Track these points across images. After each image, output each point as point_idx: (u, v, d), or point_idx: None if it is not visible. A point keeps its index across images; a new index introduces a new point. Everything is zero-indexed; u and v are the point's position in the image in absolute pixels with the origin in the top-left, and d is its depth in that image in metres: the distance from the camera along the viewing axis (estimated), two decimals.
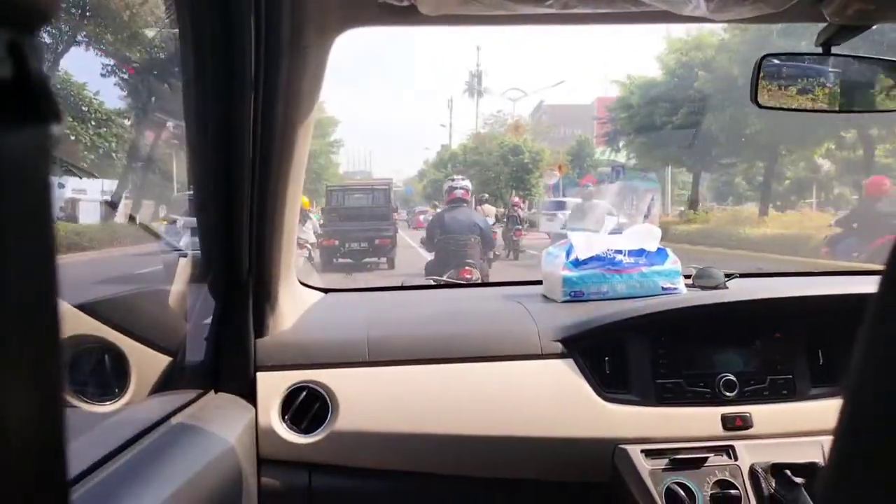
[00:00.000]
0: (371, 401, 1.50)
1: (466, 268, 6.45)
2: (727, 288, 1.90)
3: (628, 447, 1.49)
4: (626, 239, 1.90)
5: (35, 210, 0.26)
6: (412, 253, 16.46)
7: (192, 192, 1.36)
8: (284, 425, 1.47)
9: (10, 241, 0.24)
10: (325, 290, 1.97)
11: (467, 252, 6.70)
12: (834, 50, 1.27)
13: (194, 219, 1.41)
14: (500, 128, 36.54)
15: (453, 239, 6.74)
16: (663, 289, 1.84)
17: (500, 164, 32.03)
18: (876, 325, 0.37)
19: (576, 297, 1.82)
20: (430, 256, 7.26)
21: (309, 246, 12.37)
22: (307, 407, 1.48)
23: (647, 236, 1.91)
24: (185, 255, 1.81)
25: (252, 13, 0.93)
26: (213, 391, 1.45)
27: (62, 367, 0.28)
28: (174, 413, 1.21)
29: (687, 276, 1.95)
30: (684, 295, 1.81)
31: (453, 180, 7.40)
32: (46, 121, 0.25)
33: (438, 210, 10.00)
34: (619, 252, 1.86)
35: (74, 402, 1.32)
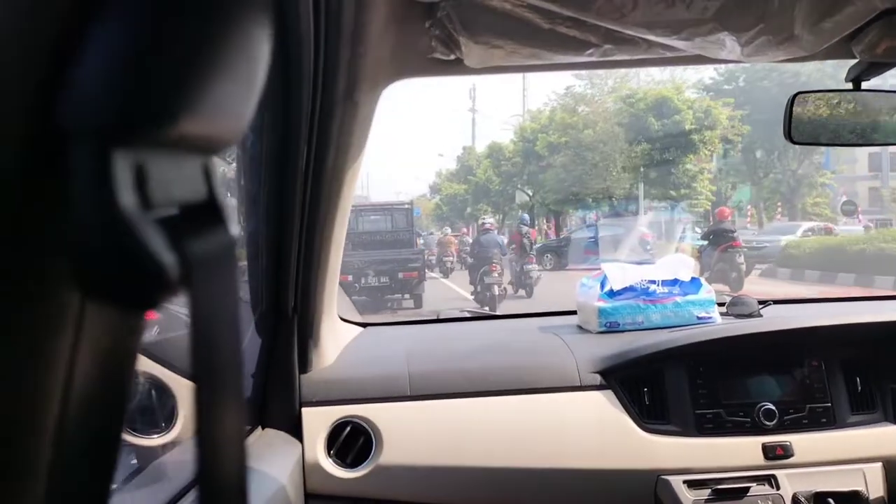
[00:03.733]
0: (414, 435, 1.52)
1: (493, 264, 11.06)
2: (761, 316, 1.92)
3: (670, 478, 1.50)
4: (660, 269, 1.93)
5: (232, 294, 0.31)
6: (436, 285, 14.12)
7: (244, 234, 1.41)
8: (330, 460, 1.50)
9: (219, 321, 0.30)
10: (364, 325, 2.01)
11: (492, 257, 11.25)
12: (864, 85, 1.30)
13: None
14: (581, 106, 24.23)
15: (485, 249, 11.55)
16: (698, 318, 1.85)
17: (615, 139, 21.21)
18: None
19: (611, 328, 1.84)
20: (456, 287, 9.65)
21: None
22: (352, 442, 1.51)
23: (679, 266, 1.93)
24: None
25: (311, 68, 0.99)
26: (260, 427, 1.48)
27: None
28: None
29: (721, 304, 1.97)
30: (720, 325, 1.82)
31: (483, 221, 11.94)
32: (228, 224, 0.30)
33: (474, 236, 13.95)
34: (653, 282, 1.89)
35: (126, 436, 1.37)
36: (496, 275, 11.09)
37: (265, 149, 1.13)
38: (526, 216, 18.89)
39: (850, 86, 1.31)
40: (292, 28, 0.92)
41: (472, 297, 11.71)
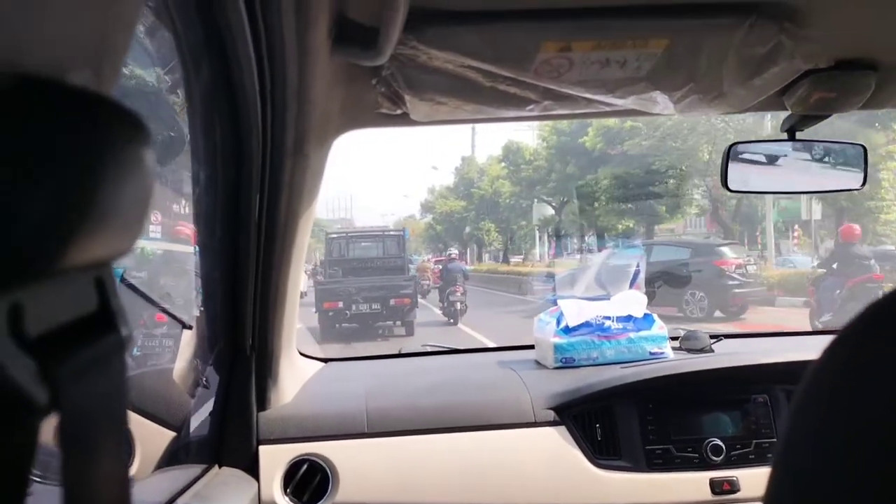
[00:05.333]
0: (371, 472, 1.54)
1: (457, 285, 13.05)
2: (713, 351, 1.96)
3: None
4: (614, 305, 1.98)
5: (116, 386, 0.34)
6: (426, 314, 13.77)
7: (200, 273, 1.43)
8: (287, 499, 1.51)
9: (96, 414, 0.32)
10: (325, 360, 2.02)
11: (456, 280, 13.23)
12: (799, 135, 1.37)
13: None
14: None
15: (451, 274, 13.45)
16: (651, 354, 1.90)
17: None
18: (806, 396, 0.41)
19: (567, 364, 1.88)
20: (430, 305, 11.77)
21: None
22: (309, 479, 1.52)
23: (633, 302, 1.98)
24: (189, 328, 1.87)
25: (259, 125, 1.02)
26: (216, 466, 1.49)
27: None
28: (181, 492, 1.25)
29: (674, 339, 2.02)
30: (672, 361, 1.86)
31: (450, 252, 13.79)
32: (121, 328, 0.33)
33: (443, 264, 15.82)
34: (608, 318, 1.93)
35: None
36: (459, 294, 13.12)
37: (218, 197, 1.16)
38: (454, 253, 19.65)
39: (785, 136, 1.38)
40: (238, 87, 0.95)
41: (440, 311, 13.77)
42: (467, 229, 30.40)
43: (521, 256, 28.32)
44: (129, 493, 0.37)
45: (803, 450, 0.39)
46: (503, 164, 26.26)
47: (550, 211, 24.40)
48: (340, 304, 12.08)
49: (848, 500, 0.35)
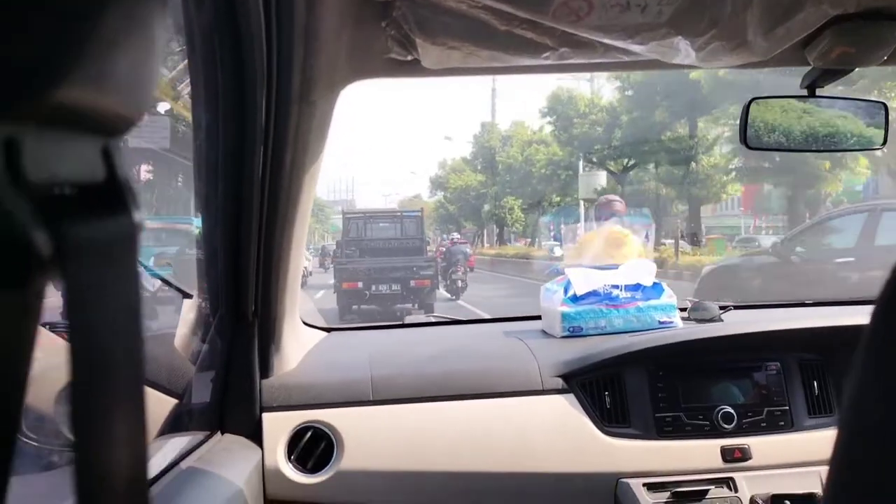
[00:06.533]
0: (375, 439, 1.52)
1: (458, 265, 14.44)
2: (722, 321, 1.94)
3: (630, 481, 1.51)
4: (623, 274, 1.94)
5: (127, 287, 0.30)
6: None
7: (200, 236, 1.39)
8: (290, 466, 1.48)
9: (106, 314, 0.28)
10: (328, 329, 2.00)
11: (458, 261, 14.60)
12: (819, 92, 1.33)
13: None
14: None
15: (454, 255, 14.73)
16: (660, 323, 1.87)
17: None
18: (869, 356, 0.39)
19: (574, 333, 1.85)
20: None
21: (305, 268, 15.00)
22: (313, 447, 1.50)
23: (642, 271, 1.95)
24: (190, 297, 1.84)
25: (265, 69, 0.98)
26: (219, 433, 1.46)
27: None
28: (183, 457, 1.23)
29: (683, 310, 1.99)
30: (681, 329, 1.84)
31: (453, 236, 14.82)
32: (132, 211, 0.29)
33: (446, 246, 16.82)
34: (616, 287, 1.90)
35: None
36: (460, 273, 14.68)
37: (220, 150, 1.12)
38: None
39: (805, 92, 1.34)
40: (243, 27, 0.91)
41: (443, 287, 14.36)
42: (486, 207, 26.68)
43: (547, 239, 22.92)
44: (146, 431, 0.33)
45: (873, 406, 0.38)
46: (548, 118, 21.99)
47: (604, 180, 19.80)
48: (360, 285, 11.95)
49: None
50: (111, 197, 0.28)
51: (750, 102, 1.31)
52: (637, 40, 1.06)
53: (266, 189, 1.22)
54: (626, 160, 19.44)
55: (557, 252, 15.02)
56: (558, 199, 22.90)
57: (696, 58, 1.11)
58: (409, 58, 1.11)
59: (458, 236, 18.95)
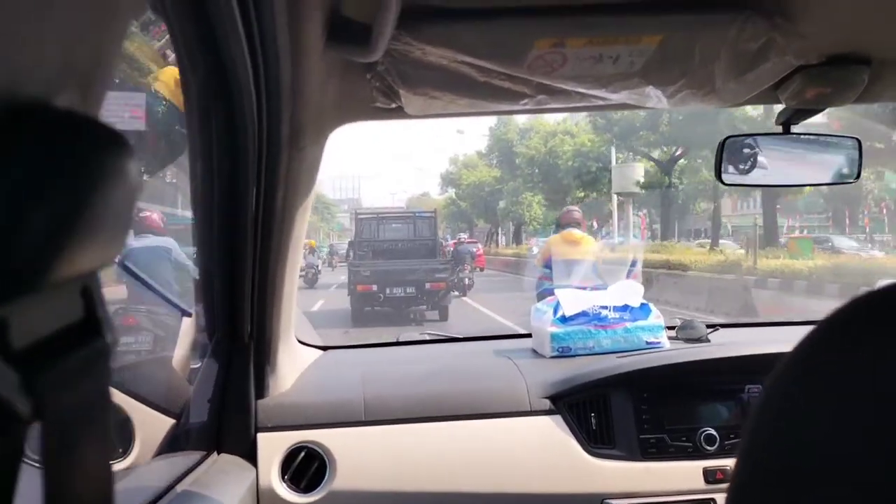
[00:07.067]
0: (367, 460, 1.56)
1: (465, 265, 15.23)
2: (709, 341, 1.98)
3: (615, 502, 1.55)
4: (611, 294, 1.99)
5: (98, 396, 0.35)
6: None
7: (198, 264, 1.44)
8: (284, 485, 1.53)
9: (80, 430, 0.34)
10: (323, 348, 2.04)
11: (464, 259, 15.45)
12: (794, 129, 1.37)
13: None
14: None
15: (461, 254, 15.69)
16: (647, 343, 1.91)
17: None
18: (775, 381, 0.42)
19: (563, 353, 1.89)
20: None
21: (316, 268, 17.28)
22: (306, 467, 1.54)
23: (630, 292, 1.99)
24: (189, 315, 1.89)
25: (255, 120, 1.03)
26: (216, 452, 1.51)
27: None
28: (180, 479, 1.27)
29: (670, 328, 2.03)
30: (667, 351, 1.88)
31: (460, 237, 15.93)
32: (105, 335, 0.35)
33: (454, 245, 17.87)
34: (605, 308, 1.94)
35: None
36: (467, 271, 15.52)
37: (216, 190, 1.17)
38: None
39: (780, 129, 1.38)
40: (233, 84, 0.96)
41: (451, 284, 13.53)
42: (501, 204, 24.88)
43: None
44: (113, 494, 0.39)
45: (775, 441, 0.40)
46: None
47: (641, 172, 18.03)
48: (374, 288, 11.78)
49: (832, 480, 0.36)
50: (88, 329, 0.34)
51: (725, 140, 1.36)
52: (610, 89, 1.11)
53: (259, 225, 1.27)
54: (674, 148, 17.77)
55: (535, 251, 14.73)
56: (582, 194, 20.92)
57: (667, 103, 1.16)
58: (393, 105, 1.16)
59: (465, 236, 20.24)
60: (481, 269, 20.49)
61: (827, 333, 0.41)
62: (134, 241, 4.46)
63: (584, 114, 19.23)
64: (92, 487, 0.36)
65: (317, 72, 0.98)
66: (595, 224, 19.94)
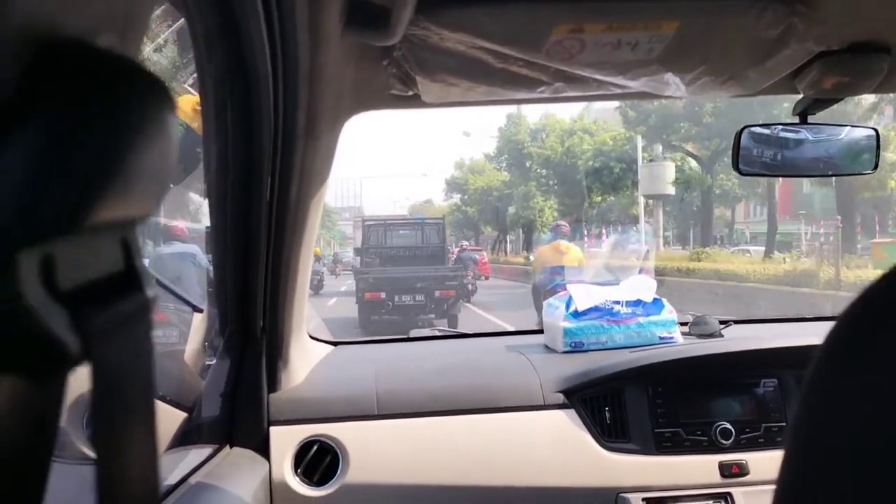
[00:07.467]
0: (380, 453, 1.56)
1: (468, 271, 14.27)
2: (722, 336, 1.97)
3: (629, 496, 1.54)
4: (624, 290, 1.98)
5: (141, 353, 0.35)
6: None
7: (211, 258, 1.44)
8: (297, 479, 1.52)
9: (125, 378, 0.34)
10: (335, 343, 2.04)
11: (467, 266, 14.83)
12: (811, 119, 1.36)
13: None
14: None
15: (463, 261, 15.46)
16: (660, 338, 1.90)
17: None
18: (818, 376, 0.40)
19: (576, 348, 1.88)
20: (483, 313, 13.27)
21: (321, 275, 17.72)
22: (319, 460, 1.54)
23: (643, 287, 1.98)
24: (200, 311, 1.89)
25: (271, 107, 1.03)
26: (228, 446, 1.51)
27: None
28: (193, 472, 1.27)
29: (683, 324, 2.02)
30: (681, 345, 1.87)
31: (461, 244, 16.84)
32: (146, 289, 0.34)
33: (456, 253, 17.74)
34: (617, 303, 1.94)
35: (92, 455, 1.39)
36: (470, 277, 14.95)
37: (230, 180, 1.17)
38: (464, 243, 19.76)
39: (797, 119, 1.37)
40: (251, 69, 0.96)
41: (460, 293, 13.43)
42: (511, 209, 23.33)
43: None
44: (158, 455, 0.39)
45: (816, 434, 0.39)
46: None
47: (673, 172, 16.17)
48: (383, 295, 11.67)
49: (861, 480, 0.35)
50: (128, 281, 0.33)
51: (742, 130, 1.35)
52: (629, 76, 1.10)
53: (274, 215, 1.27)
54: (718, 141, 15.52)
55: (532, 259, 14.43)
56: (600, 198, 19.12)
57: (686, 91, 1.15)
58: (410, 93, 1.16)
59: (467, 244, 20.86)
60: (486, 278, 20.03)
61: (856, 320, 0.40)
62: (164, 248, 5.15)
63: (612, 107, 18.76)
64: (139, 435, 0.35)
65: (334, 56, 0.97)
66: (602, 234, 17.28)
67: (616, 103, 16.96)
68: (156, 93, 0.33)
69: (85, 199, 0.28)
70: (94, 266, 0.31)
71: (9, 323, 0.26)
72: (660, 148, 17.29)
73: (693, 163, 16.42)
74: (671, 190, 16.60)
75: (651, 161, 17.03)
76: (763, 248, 17.25)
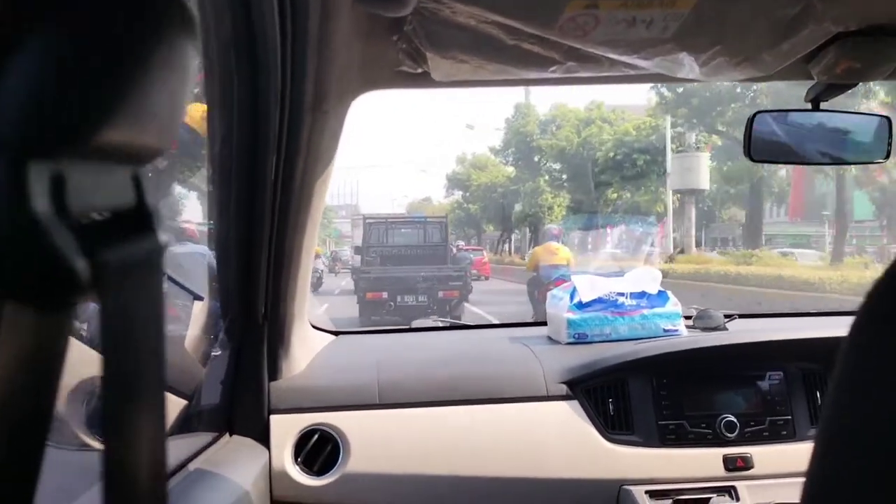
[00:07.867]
0: (381, 443, 1.54)
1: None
2: (727, 329, 1.95)
3: (633, 488, 1.52)
4: (628, 281, 1.96)
5: (153, 299, 0.33)
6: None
7: (213, 242, 1.42)
8: (297, 468, 1.50)
9: (134, 325, 0.31)
10: (336, 333, 2.02)
11: (464, 266, 13.40)
12: (823, 105, 1.35)
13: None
14: None
15: (460, 261, 13.82)
16: (665, 331, 1.88)
17: None
18: (846, 370, 0.40)
19: (580, 339, 1.86)
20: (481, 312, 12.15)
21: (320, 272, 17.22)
22: (319, 449, 1.52)
23: (647, 279, 1.97)
24: (201, 299, 1.87)
25: (279, 79, 1.00)
26: (228, 434, 1.48)
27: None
28: (192, 458, 1.25)
29: (687, 318, 2.00)
30: (685, 337, 1.85)
31: (458, 244, 15.37)
32: (157, 232, 0.33)
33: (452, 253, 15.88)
34: (622, 294, 1.91)
35: (93, 443, 1.37)
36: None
37: (234, 156, 1.14)
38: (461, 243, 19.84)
39: (809, 106, 1.35)
40: (259, 38, 0.94)
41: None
42: (518, 207, 22.21)
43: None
44: (165, 419, 0.36)
45: (847, 427, 0.39)
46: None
47: (706, 164, 14.87)
48: (385, 295, 11.39)
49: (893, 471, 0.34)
50: (140, 220, 0.31)
51: (754, 116, 1.33)
52: (642, 55, 1.08)
53: (278, 195, 1.25)
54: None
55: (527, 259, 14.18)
56: (615, 195, 17.58)
57: (700, 72, 1.13)
58: (419, 70, 1.14)
59: (463, 244, 20.76)
60: (486, 278, 19.61)
61: (878, 310, 0.38)
62: (176, 248, 5.14)
63: (634, 93, 17.52)
64: (144, 377, 0.33)
65: (344, 27, 0.95)
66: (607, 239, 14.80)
67: (645, 87, 15.53)
68: (177, 17, 0.31)
69: (95, 115, 0.27)
70: (105, 197, 0.30)
71: (15, 237, 0.24)
72: (693, 137, 15.65)
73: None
74: (705, 184, 15.23)
75: (680, 152, 15.46)
76: (807, 251, 16.11)
